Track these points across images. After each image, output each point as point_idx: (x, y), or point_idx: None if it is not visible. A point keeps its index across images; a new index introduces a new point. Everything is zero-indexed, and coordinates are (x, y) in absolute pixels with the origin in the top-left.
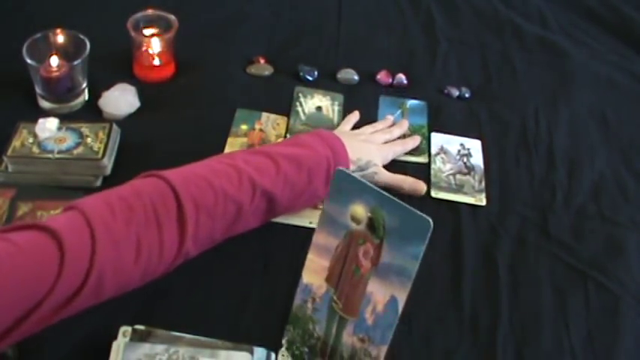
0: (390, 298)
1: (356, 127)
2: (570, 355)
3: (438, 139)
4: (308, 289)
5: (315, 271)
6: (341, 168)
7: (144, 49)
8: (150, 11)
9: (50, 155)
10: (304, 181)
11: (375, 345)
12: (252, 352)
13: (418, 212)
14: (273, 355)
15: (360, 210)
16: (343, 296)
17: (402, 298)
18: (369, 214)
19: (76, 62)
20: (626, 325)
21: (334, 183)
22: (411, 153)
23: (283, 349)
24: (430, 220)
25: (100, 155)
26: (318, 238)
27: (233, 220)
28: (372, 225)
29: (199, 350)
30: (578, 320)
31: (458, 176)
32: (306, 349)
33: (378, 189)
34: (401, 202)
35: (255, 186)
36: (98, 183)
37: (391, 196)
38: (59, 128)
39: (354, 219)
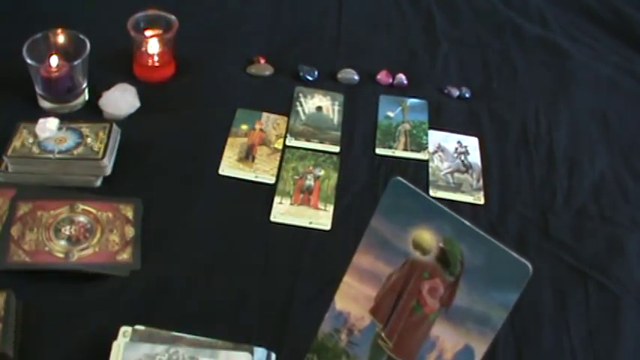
0: (464, 347)
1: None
2: (570, 355)
3: (435, 137)
4: (343, 318)
5: (353, 299)
6: (399, 178)
7: (144, 49)
8: (150, 11)
9: (50, 155)
10: None
11: None
12: (252, 352)
13: (513, 253)
14: (273, 355)
15: (427, 237)
16: (395, 335)
17: (480, 350)
18: (442, 245)
19: (76, 62)
20: (626, 325)
21: (389, 195)
22: (411, 149)
23: None
24: (529, 266)
25: (100, 155)
26: (361, 261)
27: None
28: (444, 258)
29: (199, 350)
30: (579, 320)
31: (456, 174)
32: None
33: (457, 215)
34: (489, 237)
35: None
36: (98, 183)
37: (476, 228)
38: (59, 128)
39: (419, 247)
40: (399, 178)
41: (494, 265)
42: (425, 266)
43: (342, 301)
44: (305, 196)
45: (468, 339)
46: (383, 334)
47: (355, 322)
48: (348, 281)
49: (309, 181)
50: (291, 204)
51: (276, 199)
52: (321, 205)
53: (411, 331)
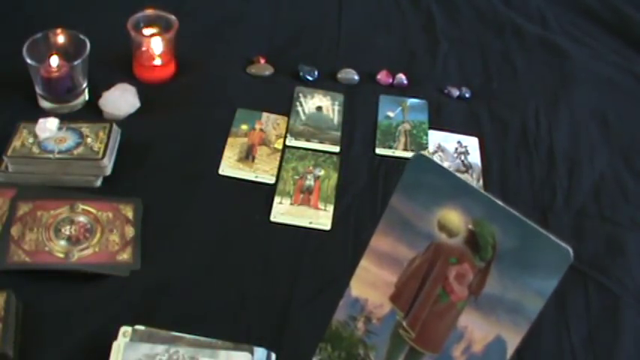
0: (495, 338)
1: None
2: (570, 355)
3: (435, 137)
4: (359, 305)
5: (371, 285)
6: (422, 152)
7: (144, 49)
8: (150, 11)
9: (50, 155)
10: None
11: None
12: (252, 352)
13: (552, 237)
14: (273, 355)
15: (454, 218)
16: (418, 324)
17: (512, 342)
18: (471, 227)
19: (76, 62)
20: (626, 325)
21: (411, 171)
22: (411, 149)
23: None
24: (570, 250)
25: (100, 155)
26: (379, 243)
27: None
28: (474, 241)
29: (199, 350)
30: (579, 320)
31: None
32: None
33: (488, 194)
34: (525, 219)
35: None
36: (98, 183)
37: (510, 208)
38: (59, 128)
39: (445, 229)
40: (423, 153)
41: (530, 249)
42: (452, 250)
43: (358, 287)
44: (305, 196)
45: (500, 330)
46: (404, 323)
47: (373, 310)
48: (366, 265)
49: (309, 181)
50: (291, 204)
51: (276, 199)
52: (321, 205)
53: (436, 321)
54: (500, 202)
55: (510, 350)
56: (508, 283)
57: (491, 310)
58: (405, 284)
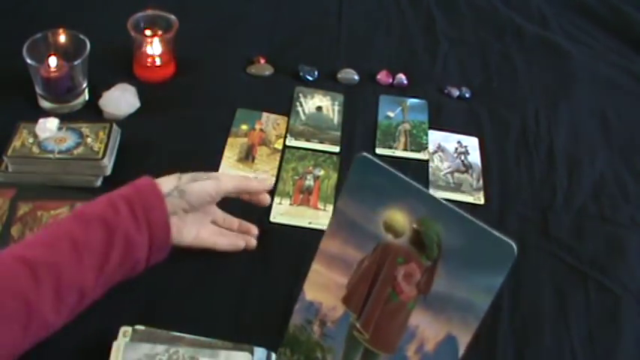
0: (446, 336)
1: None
2: (570, 355)
3: (435, 137)
4: (314, 309)
5: (324, 287)
6: (365, 154)
7: (144, 49)
8: (150, 11)
9: (50, 155)
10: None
11: None
12: (252, 352)
13: (496, 233)
14: (273, 355)
15: (399, 218)
16: (371, 325)
17: (463, 339)
18: (416, 226)
19: (76, 62)
20: (626, 325)
21: (354, 173)
22: (411, 149)
23: None
24: (514, 246)
25: (100, 155)
26: (328, 246)
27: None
28: (419, 241)
29: (199, 350)
30: (579, 320)
31: (456, 174)
32: None
33: (429, 192)
34: (469, 217)
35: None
36: (98, 183)
37: (452, 206)
38: (59, 128)
39: (391, 229)
40: (366, 154)
41: (476, 246)
42: (399, 250)
43: (311, 291)
44: (305, 196)
45: (450, 327)
46: (358, 325)
47: (328, 313)
48: (317, 268)
49: (309, 181)
50: (291, 204)
51: (276, 200)
52: (320, 205)
53: (388, 321)
54: (443, 201)
55: (462, 347)
56: (456, 280)
57: (441, 308)
58: (356, 286)
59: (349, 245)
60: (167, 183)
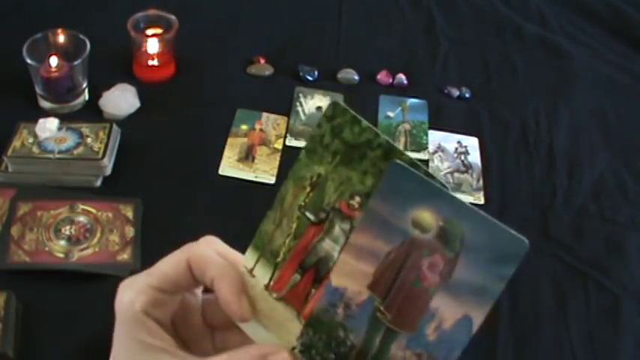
0: (463, 316)
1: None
2: (570, 355)
3: (435, 137)
4: (339, 294)
5: (350, 275)
6: (398, 161)
7: (144, 49)
8: (150, 11)
9: (50, 155)
10: None
11: None
12: None
13: (511, 231)
14: None
15: (427, 217)
16: (394, 307)
17: (477, 319)
18: (442, 224)
19: (76, 62)
20: (626, 325)
21: (388, 179)
22: (411, 150)
23: (297, 351)
24: (526, 241)
25: (100, 155)
26: (358, 239)
27: None
28: (444, 236)
29: None
30: (579, 320)
31: (456, 174)
32: (332, 356)
33: (455, 195)
34: (489, 217)
35: None
36: (98, 183)
37: (474, 208)
38: (59, 128)
39: (419, 226)
40: (398, 162)
41: (493, 241)
42: (424, 244)
43: (338, 278)
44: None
45: (467, 309)
46: (381, 307)
47: (352, 297)
48: (345, 259)
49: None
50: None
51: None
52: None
53: (412, 304)
54: (466, 203)
55: (475, 326)
56: (474, 269)
57: (460, 292)
58: (382, 274)
59: (379, 239)
60: None
